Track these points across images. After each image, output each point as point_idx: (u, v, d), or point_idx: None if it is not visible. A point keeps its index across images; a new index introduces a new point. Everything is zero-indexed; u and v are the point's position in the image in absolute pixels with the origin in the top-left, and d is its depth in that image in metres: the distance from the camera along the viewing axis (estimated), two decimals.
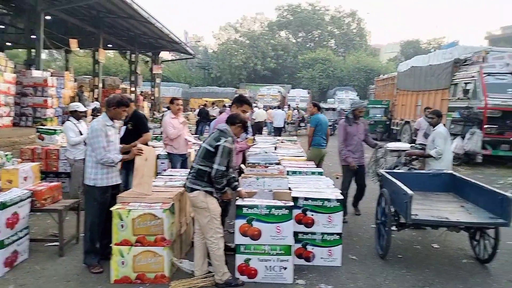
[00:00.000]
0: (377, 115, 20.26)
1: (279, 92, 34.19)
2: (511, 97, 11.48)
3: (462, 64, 13.37)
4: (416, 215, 4.29)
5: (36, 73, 12.29)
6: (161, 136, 8.52)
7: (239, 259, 4.07)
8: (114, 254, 3.98)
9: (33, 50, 13.28)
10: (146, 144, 5.23)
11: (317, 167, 6.26)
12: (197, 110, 19.15)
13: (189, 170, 4.23)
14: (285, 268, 4.05)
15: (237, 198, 4.26)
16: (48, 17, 14.96)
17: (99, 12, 16.50)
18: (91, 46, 19.47)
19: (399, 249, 5.06)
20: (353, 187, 6.43)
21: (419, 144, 8.69)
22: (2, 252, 4.13)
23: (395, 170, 6.37)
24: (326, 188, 4.89)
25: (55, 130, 8.07)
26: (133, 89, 22.81)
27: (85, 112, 8.33)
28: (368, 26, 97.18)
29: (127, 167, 5.33)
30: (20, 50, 27.55)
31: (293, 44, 54.25)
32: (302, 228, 4.45)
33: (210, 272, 4.08)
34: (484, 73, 11.79)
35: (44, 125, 10.17)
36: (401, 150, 7.88)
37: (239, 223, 4.07)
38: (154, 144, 8.50)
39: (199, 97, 34.36)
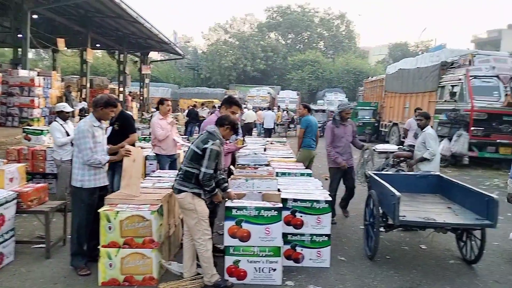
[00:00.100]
0: (366, 117, 20.39)
1: (268, 93, 34.35)
2: (497, 100, 11.66)
3: (449, 67, 13.55)
4: (404, 216, 4.32)
5: (22, 72, 12.14)
6: (149, 137, 8.47)
7: (228, 260, 4.06)
8: (102, 256, 3.94)
9: (19, 49, 13.09)
10: (133, 145, 5.20)
11: (306, 169, 6.30)
12: (186, 111, 19.08)
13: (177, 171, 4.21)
14: (274, 270, 4.04)
15: (226, 200, 4.25)
16: (35, 16, 14.80)
17: (87, 11, 16.36)
18: (79, 45, 19.32)
19: (387, 250, 5.10)
20: (341, 188, 6.46)
21: (407, 146, 8.78)
22: None
23: (383, 172, 6.43)
24: (315, 189, 4.92)
25: (42, 130, 7.95)
26: (121, 89, 22.64)
27: (72, 112, 8.24)
28: (357, 28, 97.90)
29: (114, 168, 5.29)
30: (6, 49, 27.22)
31: (282, 45, 54.44)
32: (291, 229, 4.45)
33: (199, 274, 4.06)
34: (471, 76, 11.94)
35: (30, 126, 10.05)
36: (389, 151, 7.98)
37: (228, 224, 4.06)
38: (142, 145, 8.45)
39: (188, 98, 34.33)
